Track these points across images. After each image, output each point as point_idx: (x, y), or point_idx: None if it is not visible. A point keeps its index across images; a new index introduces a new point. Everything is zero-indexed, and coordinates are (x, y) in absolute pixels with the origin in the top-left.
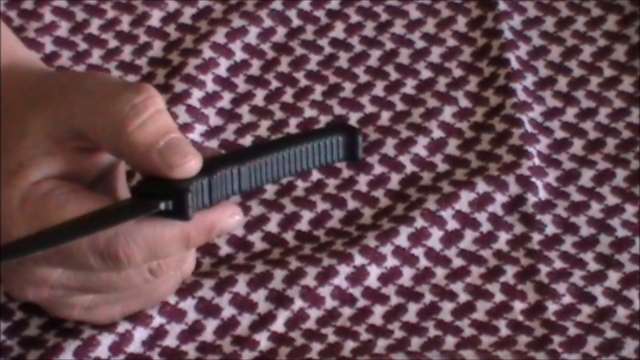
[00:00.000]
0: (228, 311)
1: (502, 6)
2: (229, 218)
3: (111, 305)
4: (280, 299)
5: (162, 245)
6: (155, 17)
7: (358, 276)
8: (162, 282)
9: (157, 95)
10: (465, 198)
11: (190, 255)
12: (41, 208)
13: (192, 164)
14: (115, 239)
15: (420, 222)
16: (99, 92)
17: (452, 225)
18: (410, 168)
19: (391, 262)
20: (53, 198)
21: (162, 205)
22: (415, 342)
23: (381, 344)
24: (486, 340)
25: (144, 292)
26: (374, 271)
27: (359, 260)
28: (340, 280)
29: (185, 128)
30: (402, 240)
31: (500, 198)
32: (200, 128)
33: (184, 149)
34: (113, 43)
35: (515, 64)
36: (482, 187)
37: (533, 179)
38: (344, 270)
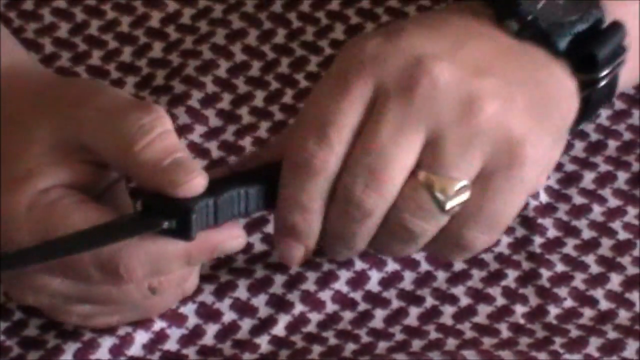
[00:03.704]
0: (229, 316)
1: None
2: (232, 240)
3: (109, 316)
4: (280, 304)
5: (163, 262)
6: (155, 18)
7: (359, 280)
8: (161, 298)
9: (165, 116)
10: None
11: (193, 274)
12: (47, 216)
13: (196, 182)
14: (117, 254)
15: None
16: (108, 109)
17: None
18: None
19: (392, 266)
20: (60, 207)
21: (166, 224)
22: (416, 345)
23: (382, 347)
24: (487, 342)
25: (142, 306)
26: (375, 275)
27: (359, 265)
28: (340, 285)
29: (185, 129)
30: None
31: None
32: (200, 129)
33: (188, 167)
34: (113, 44)
35: None
36: None
37: None
38: (345, 274)
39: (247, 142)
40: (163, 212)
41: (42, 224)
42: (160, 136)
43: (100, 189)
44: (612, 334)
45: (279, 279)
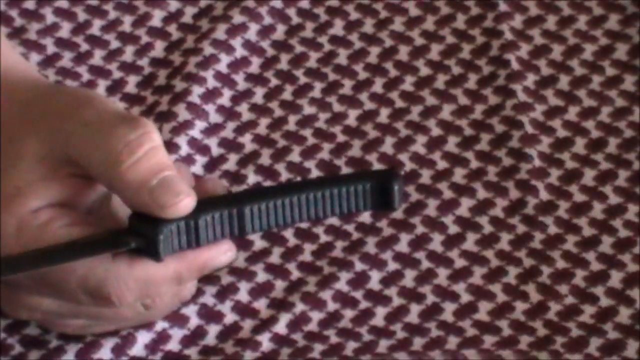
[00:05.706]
0: (230, 317)
1: (503, 7)
2: (221, 256)
3: (105, 327)
4: (282, 305)
5: (153, 285)
6: (157, 17)
7: (359, 280)
8: (157, 309)
9: (154, 131)
10: (466, 205)
11: (189, 283)
12: (35, 240)
13: (183, 204)
14: (106, 282)
15: (420, 229)
16: (96, 124)
17: (454, 229)
18: (409, 166)
19: (392, 266)
20: (49, 231)
21: (134, 244)
22: (418, 343)
23: (383, 345)
24: (488, 340)
25: (137, 318)
26: (375, 275)
27: (359, 266)
28: (341, 285)
29: (185, 125)
30: (402, 246)
31: (501, 202)
32: (200, 125)
33: (175, 188)
34: (115, 44)
35: (515, 65)
36: (482, 193)
37: (533, 182)
38: (345, 276)
39: (246, 139)
40: (137, 231)
41: (30, 248)
42: (148, 154)
43: (91, 201)
44: (613, 334)
45: (280, 284)
